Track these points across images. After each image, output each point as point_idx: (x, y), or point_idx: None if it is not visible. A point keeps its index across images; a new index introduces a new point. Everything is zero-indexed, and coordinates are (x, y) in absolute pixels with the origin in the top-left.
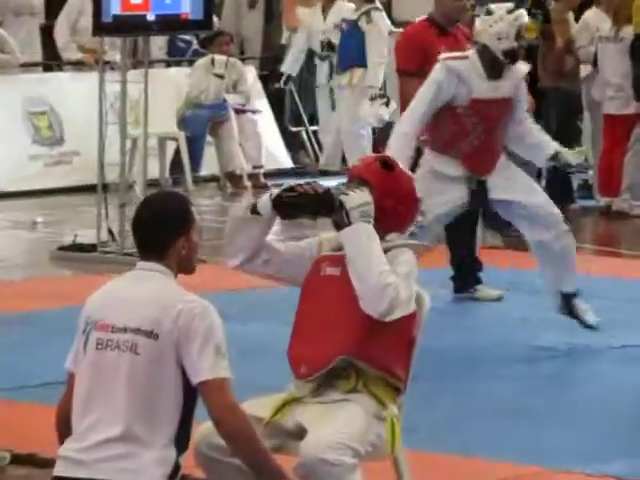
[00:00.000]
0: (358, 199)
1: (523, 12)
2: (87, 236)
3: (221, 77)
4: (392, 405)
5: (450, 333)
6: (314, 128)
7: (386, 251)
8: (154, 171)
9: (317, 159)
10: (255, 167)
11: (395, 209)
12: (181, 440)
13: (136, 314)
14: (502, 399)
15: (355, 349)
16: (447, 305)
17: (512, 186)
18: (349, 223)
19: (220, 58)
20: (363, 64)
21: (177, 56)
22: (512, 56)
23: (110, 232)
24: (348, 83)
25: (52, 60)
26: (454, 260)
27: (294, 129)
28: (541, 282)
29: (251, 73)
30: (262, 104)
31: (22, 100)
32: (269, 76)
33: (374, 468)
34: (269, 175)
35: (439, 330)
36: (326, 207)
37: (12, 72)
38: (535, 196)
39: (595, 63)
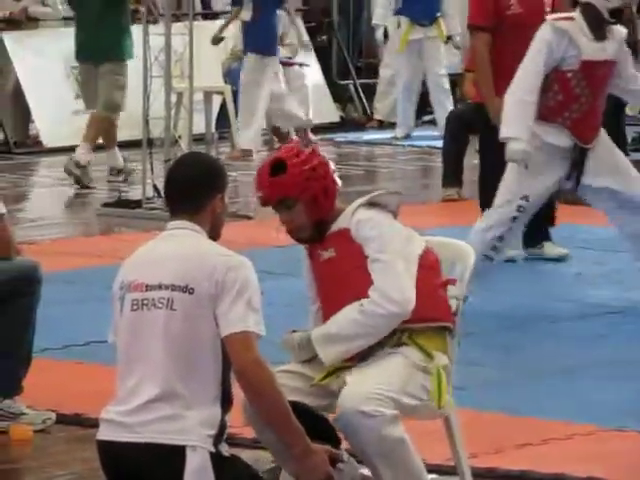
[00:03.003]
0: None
1: None
2: (132, 192)
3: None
4: (440, 355)
5: (502, 289)
6: (362, 81)
7: (352, 214)
8: (200, 126)
9: (365, 112)
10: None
11: (322, 185)
12: (225, 398)
13: (170, 270)
14: (553, 357)
15: None
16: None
17: (607, 169)
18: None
19: None
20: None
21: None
22: (619, 15)
23: (155, 188)
24: (439, 35)
25: None
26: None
27: (342, 82)
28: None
29: (298, 25)
30: (309, 57)
31: (65, 55)
32: (316, 28)
33: (425, 428)
34: (317, 129)
35: (491, 286)
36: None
37: (54, 25)
38: (631, 181)
39: None
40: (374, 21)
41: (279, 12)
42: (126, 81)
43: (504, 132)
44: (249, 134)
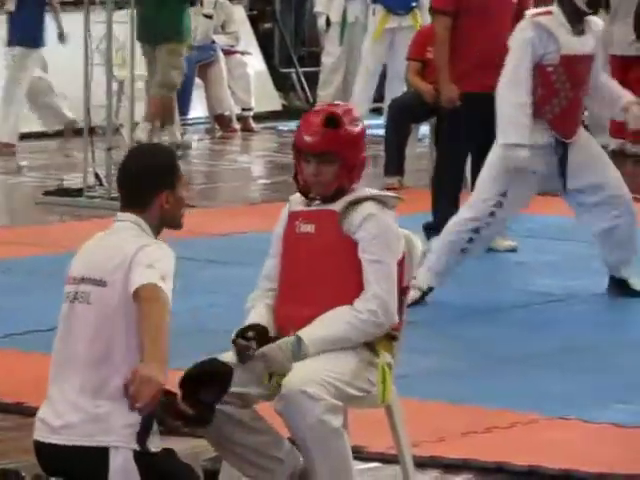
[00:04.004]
0: (280, 356)
1: None
2: (73, 181)
3: (209, 17)
4: (385, 353)
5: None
6: (304, 69)
7: (354, 203)
8: (141, 114)
9: (307, 100)
10: (244, 109)
11: (361, 159)
12: None
13: (89, 264)
14: (497, 346)
15: (342, 305)
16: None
17: (586, 167)
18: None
19: None
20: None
21: None
22: (595, 5)
23: (97, 176)
24: (413, 25)
25: None
26: None
27: (284, 70)
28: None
29: (240, 13)
30: (251, 45)
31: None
32: (258, 16)
33: (368, 417)
34: (259, 117)
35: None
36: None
37: None
38: (607, 175)
39: None
40: (316, 9)
41: (220, 0)
42: (182, 61)
43: (506, 138)
44: (8, 128)
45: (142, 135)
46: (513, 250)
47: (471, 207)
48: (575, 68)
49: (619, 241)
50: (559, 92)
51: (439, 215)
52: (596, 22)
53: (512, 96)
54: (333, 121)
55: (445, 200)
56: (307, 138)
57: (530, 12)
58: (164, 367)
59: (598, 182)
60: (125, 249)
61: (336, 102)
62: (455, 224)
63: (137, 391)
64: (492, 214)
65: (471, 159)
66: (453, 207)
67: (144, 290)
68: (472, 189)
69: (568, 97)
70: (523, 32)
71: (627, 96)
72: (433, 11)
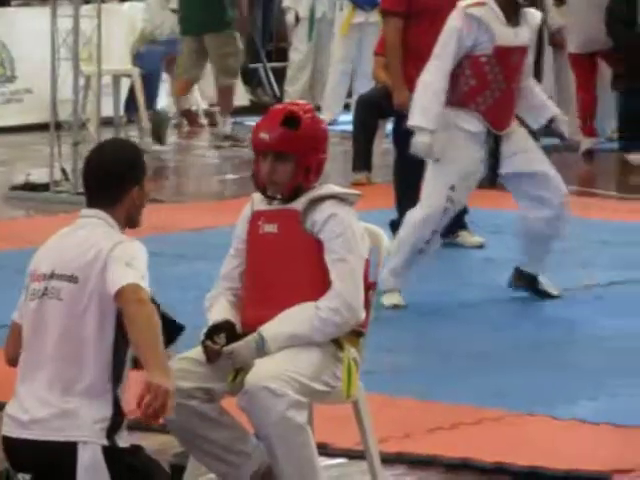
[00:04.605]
0: (245, 353)
1: None
2: (40, 175)
3: (176, 12)
4: (351, 349)
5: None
6: (272, 65)
7: (315, 201)
8: (108, 109)
9: (275, 95)
10: (212, 105)
11: (320, 159)
12: (120, 387)
13: (59, 260)
14: (463, 342)
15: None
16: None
17: (522, 156)
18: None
19: None
20: None
21: None
22: None
23: (63, 171)
24: (380, 20)
25: None
26: None
27: (252, 66)
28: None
29: None
30: None
31: None
32: None
33: (334, 412)
34: None
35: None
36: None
37: None
38: (543, 168)
39: None
40: (284, 4)
41: None
42: (238, 46)
43: (412, 120)
44: None
45: (227, 129)
46: (480, 246)
47: (423, 207)
48: (509, 59)
49: (540, 238)
50: (492, 83)
51: (402, 211)
52: (533, 14)
53: (428, 81)
54: (292, 121)
55: (407, 196)
56: (263, 136)
57: (463, 3)
58: (170, 372)
59: (533, 172)
60: (99, 245)
61: (299, 101)
62: (410, 226)
63: (155, 404)
64: (445, 210)
65: None
66: (415, 203)
67: (127, 291)
68: None
69: (501, 88)
70: (451, 21)
71: (553, 108)
72: (383, 12)
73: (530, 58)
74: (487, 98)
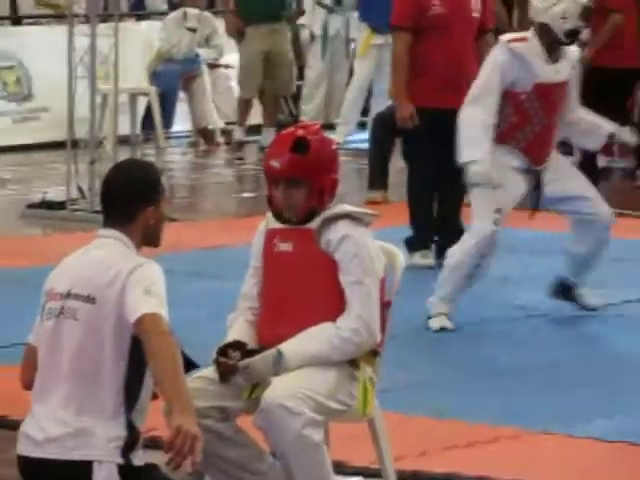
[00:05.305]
0: (261, 368)
1: None
2: (56, 194)
3: (193, 31)
4: (367, 368)
5: (427, 294)
6: None
7: (330, 220)
8: (125, 127)
9: (291, 113)
10: (228, 123)
11: (333, 180)
12: (135, 407)
13: (77, 280)
14: (479, 360)
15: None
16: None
17: (564, 180)
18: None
19: (192, 11)
20: None
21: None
22: (574, 37)
23: (80, 189)
24: None
25: (21, 14)
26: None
27: None
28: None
29: (224, 27)
30: (235, 59)
31: None
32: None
33: (351, 430)
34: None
35: (416, 290)
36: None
37: None
38: (587, 190)
39: None
40: (300, 22)
41: (205, 13)
42: None
43: (465, 156)
44: None
45: (269, 139)
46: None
47: (472, 234)
48: (550, 96)
49: (585, 258)
50: (532, 119)
51: (416, 229)
52: (572, 50)
53: (475, 116)
54: (301, 146)
55: (421, 214)
56: (274, 164)
57: (505, 37)
58: (194, 412)
59: (577, 195)
60: (118, 266)
61: (309, 122)
62: (462, 253)
63: (185, 449)
64: (492, 234)
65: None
66: (429, 220)
67: (147, 321)
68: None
69: (542, 123)
70: (495, 55)
71: (605, 125)
72: (391, 27)
73: (574, 92)
74: (527, 134)
